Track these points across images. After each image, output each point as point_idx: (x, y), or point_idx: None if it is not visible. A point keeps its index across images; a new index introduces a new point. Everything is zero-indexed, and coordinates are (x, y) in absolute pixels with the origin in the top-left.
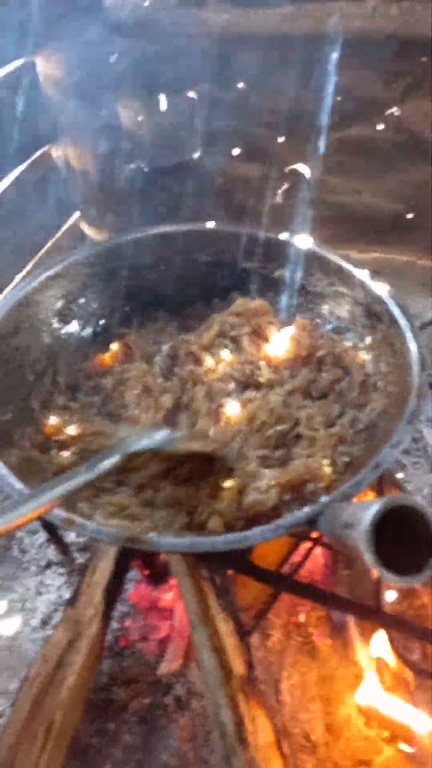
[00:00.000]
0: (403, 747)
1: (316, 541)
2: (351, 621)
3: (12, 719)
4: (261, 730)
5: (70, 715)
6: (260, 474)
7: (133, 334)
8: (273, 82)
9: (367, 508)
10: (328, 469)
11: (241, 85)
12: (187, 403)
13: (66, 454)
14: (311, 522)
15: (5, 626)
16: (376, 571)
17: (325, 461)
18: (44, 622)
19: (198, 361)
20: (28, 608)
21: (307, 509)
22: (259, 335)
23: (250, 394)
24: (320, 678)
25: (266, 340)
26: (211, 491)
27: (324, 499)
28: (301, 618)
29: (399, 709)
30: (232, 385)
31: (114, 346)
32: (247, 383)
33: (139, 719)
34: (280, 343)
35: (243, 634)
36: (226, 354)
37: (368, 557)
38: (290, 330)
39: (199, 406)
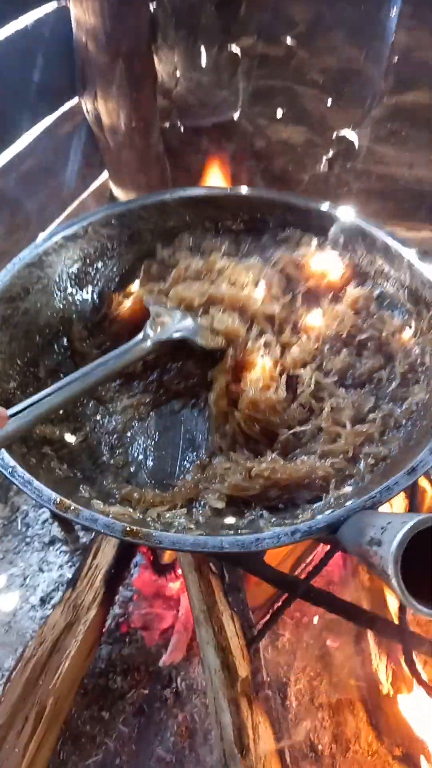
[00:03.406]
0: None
1: (337, 545)
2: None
3: (4, 699)
4: (262, 738)
5: (63, 701)
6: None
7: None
8: (325, 39)
9: (398, 527)
10: (332, 482)
11: (289, 40)
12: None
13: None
14: (333, 529)
15: (4, 601)
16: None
17: (336, 467)
18: (43, 601)
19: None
20: (29, 585)
21: (329, 513)
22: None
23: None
24: (331, 685)
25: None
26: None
27: (349, 503)
28: (315, 620)
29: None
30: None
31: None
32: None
33: (135, 710)
34: (323, 314)
35: (252, 636)
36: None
37: (395, 584)
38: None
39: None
